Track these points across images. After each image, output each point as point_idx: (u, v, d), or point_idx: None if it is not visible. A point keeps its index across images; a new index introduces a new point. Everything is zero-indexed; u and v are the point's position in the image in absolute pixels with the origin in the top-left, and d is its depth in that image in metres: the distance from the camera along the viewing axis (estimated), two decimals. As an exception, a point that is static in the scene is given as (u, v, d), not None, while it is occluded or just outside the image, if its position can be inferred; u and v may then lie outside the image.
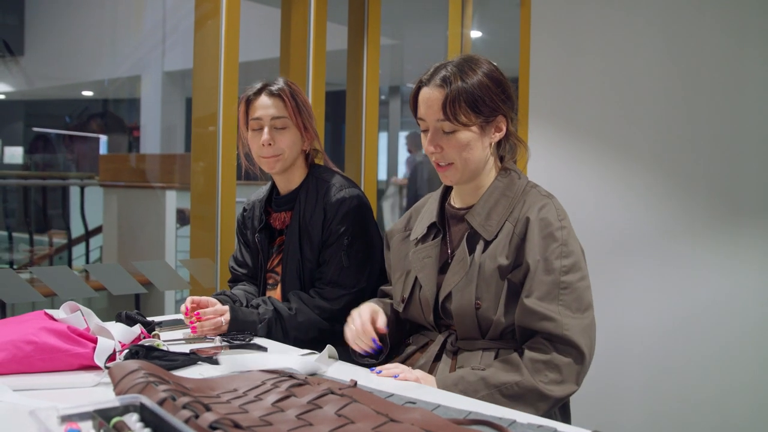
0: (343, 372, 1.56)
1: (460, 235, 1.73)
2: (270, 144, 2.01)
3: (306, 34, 2.92)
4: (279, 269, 2.11)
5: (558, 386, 1.56)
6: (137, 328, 1.61)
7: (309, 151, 2.12)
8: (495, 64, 1.72)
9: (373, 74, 3.16)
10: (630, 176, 3.12)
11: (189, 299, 1.89)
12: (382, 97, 9.29)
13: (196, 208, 2.75)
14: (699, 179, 2.96)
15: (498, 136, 1.70)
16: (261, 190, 2.23)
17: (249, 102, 2.06)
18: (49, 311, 1.61)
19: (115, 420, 1.05)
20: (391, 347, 1.82)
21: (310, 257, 2.03)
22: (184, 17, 6.59)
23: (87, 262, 5.65)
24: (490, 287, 1.64)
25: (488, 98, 1.64)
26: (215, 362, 1.55)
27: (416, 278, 1.76)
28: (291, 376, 1.37)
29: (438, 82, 1.64)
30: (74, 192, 5.85)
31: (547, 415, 1.62)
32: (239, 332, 1.82)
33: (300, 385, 1.33)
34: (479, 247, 1.68)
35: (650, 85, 3.07)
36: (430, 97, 1.65)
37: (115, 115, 9.17)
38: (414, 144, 8.32)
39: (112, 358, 1.47)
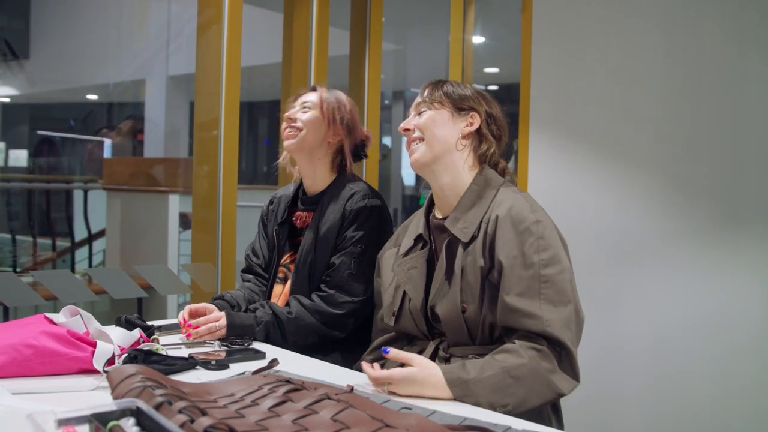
0: (340, 377, 1.57)
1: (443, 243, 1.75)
2: (290, 119, 2.11)
3: (308, 39, 2.93)
4: (291, 266, 2.12)
5: (553, 375, 1.57)
6: (136, 333, 1.61)
7: (337, 153, 2.16)
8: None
9: (375, 79, 3.17)
10: (631, 182, 3.12)
11: (186, 308, 1.90)
12: (386, 102, 9.30)
13: (198, 213, 2.76)
14: (700, 185, 2.96)
15: (468, 129, 1.79)
16: (289, 187, 2.27)
17: (298, 97, 2.19)
18: (50, 315, 1.61)
19: (111, 424, 1.05)
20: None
21: (322, 261, 2.04)
22: (188, 21, 6.62)
23: (90, 265, 5.66)
24: (474, 290, 1.66)
25: (465, 94, 1.81)
26: (214, 367, 1.56)
27: (405, 291, 1.78)
28: (288, 381, 1.37)
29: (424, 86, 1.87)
30: (78, 195, 5.87)
31: (539, 418, 1.63)
32: (238, 336, 1.83)
33: (297, 390, 1.33)
34: (459, 251, 1.70)
35: (651, 91, 3.08)
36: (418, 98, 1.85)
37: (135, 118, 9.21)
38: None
39: (111, 362, 1.48)
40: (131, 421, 1.07)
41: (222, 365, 1.56)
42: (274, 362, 1.58)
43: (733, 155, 2.89)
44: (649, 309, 3.05)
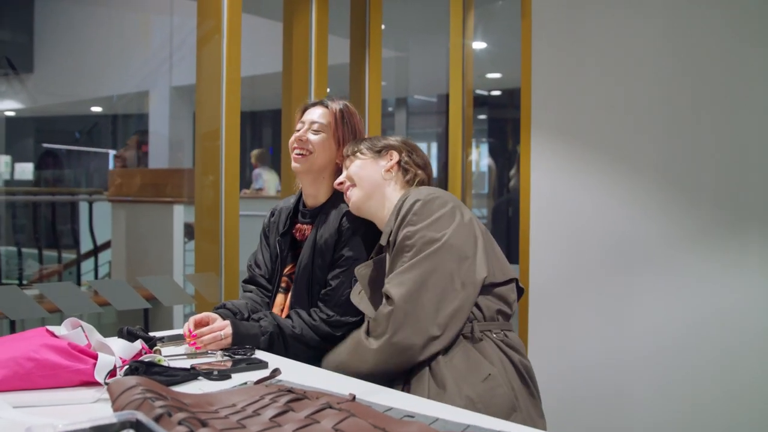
0: (341, 386, 1.56)
1: None
2: (301, 140, 2.11)
3: (308, 48, 2.93)
4: (294, 277, 2.13)
5: (374, 340, 1.78)
6: (138, 344, 1.61)
7: (339, 170, 2.15)
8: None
9: (375, 86, 3.17)
10: (634, 186, 3.12)
11: (191, 319, 1.90)
12: (389, 109, 9.31)
13: (201, 223, 2.77)
14: (703, 188, 2.95)
15: (389, 164, 2.05)
16: (290, 199, 2.28)
17: (305, 110, 2.19)
18: (51, 328, 1.61)
19: (110, 437, 1.05)
20: None
21: (320, 275, 2.05)
22: (190, 32, 6.63)
23: (96, 277, 5.67)
24: None
25: (379, 142, 2.11)
26: (216, 377, 1.55)
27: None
28: (290, 390, 1.37)
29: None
30: (83, 207, 5.89)
31: (512, 400, 1.72)
32: (240, 347, 1.83)
33: (298, 399, 1.33)
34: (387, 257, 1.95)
35: (653, 95, 3.07)
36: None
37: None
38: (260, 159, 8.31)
39: (112, 374, 1.47)
40: (130, 433, 1.07)
41: (224, 375, 1.56)
42: (276, 372, 1.58)
43: (737, 158, 2.88)
44: (654, 312, 3.04)
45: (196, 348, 1.81)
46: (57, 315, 2.52)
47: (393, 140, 2.09)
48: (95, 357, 1.49)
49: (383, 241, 1.89)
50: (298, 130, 2.14)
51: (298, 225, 2.18)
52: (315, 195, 2.15)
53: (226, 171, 2.64)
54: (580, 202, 3.24)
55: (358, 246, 2.03)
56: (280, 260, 2.18)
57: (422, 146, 8.20)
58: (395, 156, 2.05)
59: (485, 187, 8.40)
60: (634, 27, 3.12)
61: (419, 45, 6.95)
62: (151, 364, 1.49)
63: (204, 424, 1.13)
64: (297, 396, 1.33)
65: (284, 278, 2.17)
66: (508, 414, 1.71)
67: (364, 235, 2.04)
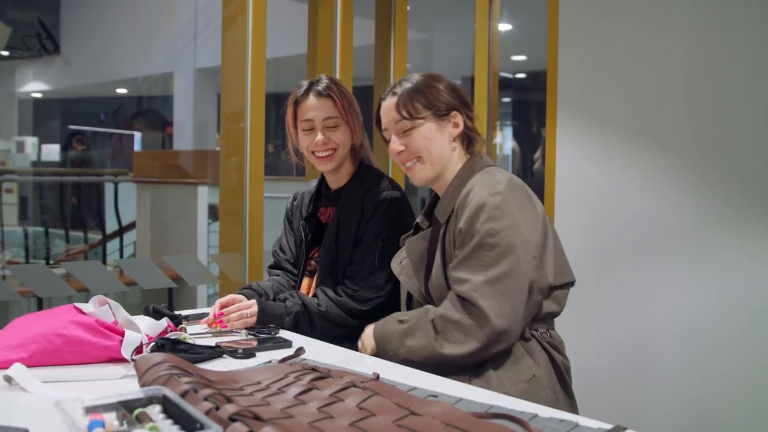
0: (367, 366, 1.57)
1: None
2: (325, 143, 2.05)
3: (333, 29, 2.92)
4: (319, 259, 2.14)
5: (461, 345, 1.63)
6: (164, 322, 1.63)
7: (358, 148, 2.14)
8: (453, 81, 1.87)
9: (400, 68, 3.16)
10: (659, 170, 3.09)
11: (216, 303, 1.91)
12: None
13: (225, 204, 2.79)
14: (730, 173, 2.92)
15: (455, 131, 1.82)
16: (311, 183, 2.27)
17: (297, 103, 2.09)
18: (79, 305, 1.63)
19: (137, 411, 1.07)
20: None
21: (344, 254, 2.05)
22: (215, 14, 6.65)
23: (121, 257, 5.74)
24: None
25: (435, 93, 1.80)
26: (241, 355, 1.57)
27: (400, 281, 1.89)
28: (314, 369, 1.38)
29: (389, 92, 1.84)
30: (109, 189, 5.95)
31: (553, 402, 1.65)
32: (265, 326, 1.84)
33: (322, 377, 1.33)
34: (440, 233, 1.79)
35: (680, 77, 3.03)
36: (386, 106, 1.83)
37: (154, 110, 9.30)
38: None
39: (139, 350, 1.49)
40: (157, 408, 1.08)
41: (249, 354, 1.58)
42: (300, 350, 1.59)
43: (764, 144, 2.84)
44: (678, 296, 3.02)
45: (222, 326, 1.83)
46: (83, 294, 2.56)
47: (444, 90, 1.82)
48: (122, 334, 1.51)
49: (442, 218, 1.78)
50: (308, 130, 2.08)
51: (322, 208, 2.19)
52: (336, 175, 2.15)
53: (251, 153, 2.65)
54: (605, 186, 3.22)
55: (380, 222, 2.03)
56: (304, 244, 2.18)
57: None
58: (460, 120, 1.83)
59: (509, 170, 8.36)
60: (663, 8, 3.07)
61: (444, 27, 6.91)
62: (177, 342, 1.50)
63: (229, 400, 1.15)
64: (321, 374, 1.34)
65: (310, 261, 2.17)
66: None
67: (386, 211, 2.04)
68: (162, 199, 5.27)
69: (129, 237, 5.78)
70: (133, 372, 1.44)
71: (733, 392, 2.90)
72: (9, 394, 1.31)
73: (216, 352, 1.55)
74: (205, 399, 1.12)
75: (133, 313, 1.66)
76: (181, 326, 1.75)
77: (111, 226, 5.82)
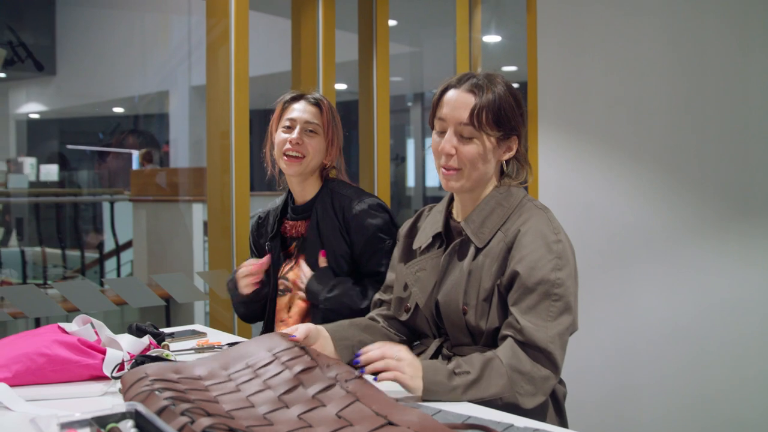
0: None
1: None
2: (298, 143, 2.06)
3: (315, 44, 2.97)
4: (290, 275, 2.15)
5: (531, 398, 1.56)
6: (146, 339, 1.66)
7: (327, 166, 2.17)
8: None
9: (383, 82, 3.19)
10: (638, 178, 3.13)
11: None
12: (409, 104, 9.32)
13: (213, 220, 2.82)
14: (708, 180, 2.96)
15: (508, 155, 1.74)
16: (276, 201, 2.28)
17: (285, 105, 2.13)
18: (62, 324, 1.67)
19: (109, 426, 1.10)
20: None
21: (333, 241, 2.10)
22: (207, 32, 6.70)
23: (118, 275, 5.77)
24: (479, 295, 1.67)
25: (511, 114, 1.69)
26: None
27: (412, 293, 1.79)
28: (303, 350, 1.40)
29: (469, 87, 1.68)
30: (106, 208, 5.99)
31: (543, 417, 1.65)
32: (245, 341, 1.87)
33: (310, 368, 1.36)
34: (470, 254, 1.70)
35: (657, 88, 3.08)
36: (459, 98, 1.68)
37: (147, 131, 9.36)
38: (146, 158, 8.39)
39: (120, 368, 1.53)
40: (130, 423, 1.11)
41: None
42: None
43: (741, 151, 2.88)
44: (660, 303, 3.05)
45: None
46: (75, 314, 2.58)
47: (518, 111, 1.72)
48: (104, 352, 1.55)
49: (476, 239, 1.70)
50: (287, 128, 2.10)
51: (289, 223, 2.20)
52: (303, 191, 2.17)
53: (236, 170, 2.69)
54: (585, 194, 3.26)
55: (374, 225, 2.08)
56: (273, 266, 2.18)
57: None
58: (515, 146, 1.74)
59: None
60: (639, 22, 3.12)
61: (433, 39, 6.97)
62: (157, 358, 1.54)
63: (207, 413, 1.18)
64: (308, 365, 1.36)
65: (281, 281, 2.18)
66: None
67: (377, 214, 2.10)
68: (158, 217, 5.30)
69: (126, 255, 5.81)
70: (114, 389, 1.49)
71: (718, 397, 2.92)
72: (-8, 413, 1.34)
73: (196, 367, 1.58)
74: (182, 414, 1.16)
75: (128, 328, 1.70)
76: (164, 343, 1.79)
77: (109, 245, 5.86)
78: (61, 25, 8.96)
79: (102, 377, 1.54)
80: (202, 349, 1.82)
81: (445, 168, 1.71)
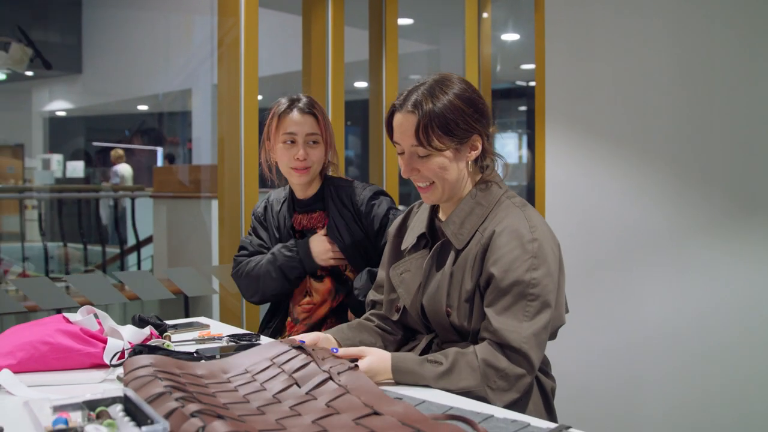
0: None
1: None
2: (305, 158, 2.15)
3: (325, 42, 3.00)
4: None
5: (503, 394, 1.58)
6: (147, 330, 1.72)
7: (327, 165, 2.25)
8: (468, 82, 1.73)
9: (392, 81, 3.22)
10: (645, 178, 3.13)
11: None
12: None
13: (223, 217, 2.88)
14: (714, 179, 2.96)
15: (474, 154, 1.72)
16: (279, 192, 2.36)
17: (280, 117, 2.17)
18: (67, 314, 1.73)
19: (98, 409, 1.15)
20: None
21: (359, 233, 2.22)
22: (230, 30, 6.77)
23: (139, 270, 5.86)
24: (461, 296, 1.68)
25: (461, 120, 1.66)
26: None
27: (398, 294, 1.82)
28: (300, 348, 1.45)
29: (409, 108, 1.67)
30: (129, 204, 6.09)
31: (537, 413, 1.67)
32: (245, 333, 1.92)
33: (305, 365, 1.40)
34: (451, 256, 1.71)
35: (663, 86, 3.08)
36: (403, 122, 1.68)
37: (153, 128, 9.51)
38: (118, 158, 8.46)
39: (121, 356, 1.58)
40: (119, 407, 1.16)
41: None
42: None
43: (747, 150, 2.88)
44: (666, 301, 3.05)
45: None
46: (101, 307, 2.65)
47: (467, 112, 1.67)
48: (105, 341, 1.60)
49: (456, 241, 1.70)
50: (288, 143, 2.16)
51: (298, 216, 2.29)
52: (307, 188, 2.26)
53: (245, 167, 2.74)
54: (592, 194, 3.27)
55: (383, 208, 2.21)
56: None
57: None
58: (478, 143, 1.71)
59: (524, 178, 8.38)
60: (646, 22, 3.13)
61: (450, 38, 6.98)
62: (156, 348, 1.59)
63: (198, 400, 1.22)
64: (304, 362, 1.41)
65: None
66: None
67: (383, 197, 2.24)
68: (178, 213, 5.38)
69: (147, 251, 5.91)
70: (113, 377, 1.54)
71: (722, 396, 2.92)
72: (-5, 397, 1.40)
73: (194, 358, 1.63)
74: (176, 400, 1.20)
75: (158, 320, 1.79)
76: (166, 334, 1.84)
77: (132, 240, 5.96)
78: (87, 25, 9.11)
79: (103, 365, 1.59)
80: (203, 340, 1.86)
81: (417, 184, 1.74)
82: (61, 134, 10.15)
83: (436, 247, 1.75)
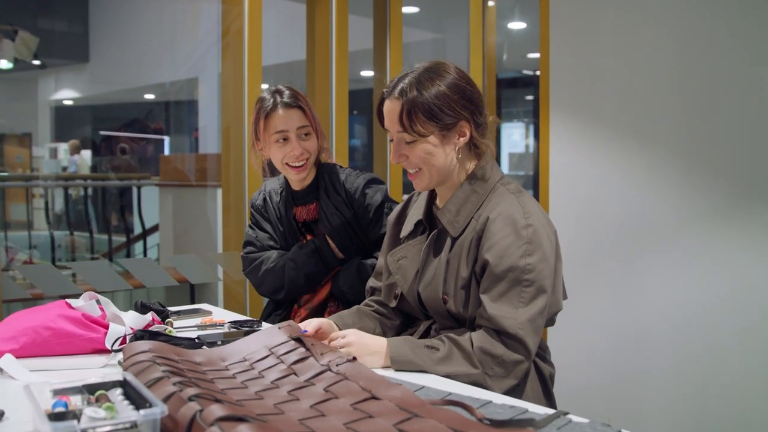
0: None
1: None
2: (301, 153, 2.15)
3: (329, 30, 3.00)
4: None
5: (501, 380, 1.59)
6: (149, 316, 1.73)
7: (320, 151, 2.25)
8: (459, 69, 1.73)
9: (397, 70, 3.22)
10: (649, 166, 3.12)
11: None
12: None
13: (227, 205, 2.89)
14: (719, 168, 2.95)
15: (462, 140, 1.72)
16: (274, 182, 2.35)
17: (267, 116, 2.17)
18: (70, 300, 1.75)
19: (98, 393, 1.16)
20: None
21: (353, 222, 2.23)
22: (236, 19, 6.76)
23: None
24: (457, 283, 1.69)
25: (445, 106, 1.66)
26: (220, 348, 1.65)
27: (396, 281, 1.83)
28: (298, 340, 1.46)
29: (396, 95, 1.69)
30: (134, 192, 6.11)
31: (535, 399, 1.68)
32: (247, 320, 1.93)
33: (304, 359, 1.41)
34: (447, 243, 1.72)
35: (668, 75, 3.07)
36: (390, 109, 1.70)
37: (139, 119, 9.55)
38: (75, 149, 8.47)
39: (122, 341, 1.59)
40: (118, 391, 1.18)
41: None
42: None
43: (753, 138, 2.86)
44: (671, 290, 3.05)
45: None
46: (108, 294, 2.67)
47: (453, 98, 1.67)
48: (106, 327, 1.62)
49: (451, 229, 1.71)
50: (281, 141, 2.16)
51: (297, 208, 2.29)
52: (302, 180, 2.25)
53: (249, 156, 2.74)
54: (596, 181, 3.26)
55: (377, 197, 2.22)
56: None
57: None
58: (467, 130, 1.71)
59: (531, 166, 8.37)
60: (651, 10, 3.11)
61: (456, 26, 6.96)
62: (156, 333, 1.60)
63: (196, 385, 1.24)
64: (303, 356, 1.42)
65: None
66: None
67: (377, 185, 2.25)
68: (184, 202, 5.39)
69: (153, 239, 5.92)
70: (114, 361, 1.55)
71: (725, 389, 2.92)
72: (-1, 381, 1.42)
73: (195, 344, 1.64)
74: (174, 384, 1.22)
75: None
76: (168, 320, 1.85)
77: (138, 229, 5.98)
78: (94, 13, 9.11)
79: (104, 350, 1.61)
80: (205, 326, 1.88)
81: (408, 170, 1.76)
82: (69, 123, 10.17)
83: (433, 235, 1.76)
